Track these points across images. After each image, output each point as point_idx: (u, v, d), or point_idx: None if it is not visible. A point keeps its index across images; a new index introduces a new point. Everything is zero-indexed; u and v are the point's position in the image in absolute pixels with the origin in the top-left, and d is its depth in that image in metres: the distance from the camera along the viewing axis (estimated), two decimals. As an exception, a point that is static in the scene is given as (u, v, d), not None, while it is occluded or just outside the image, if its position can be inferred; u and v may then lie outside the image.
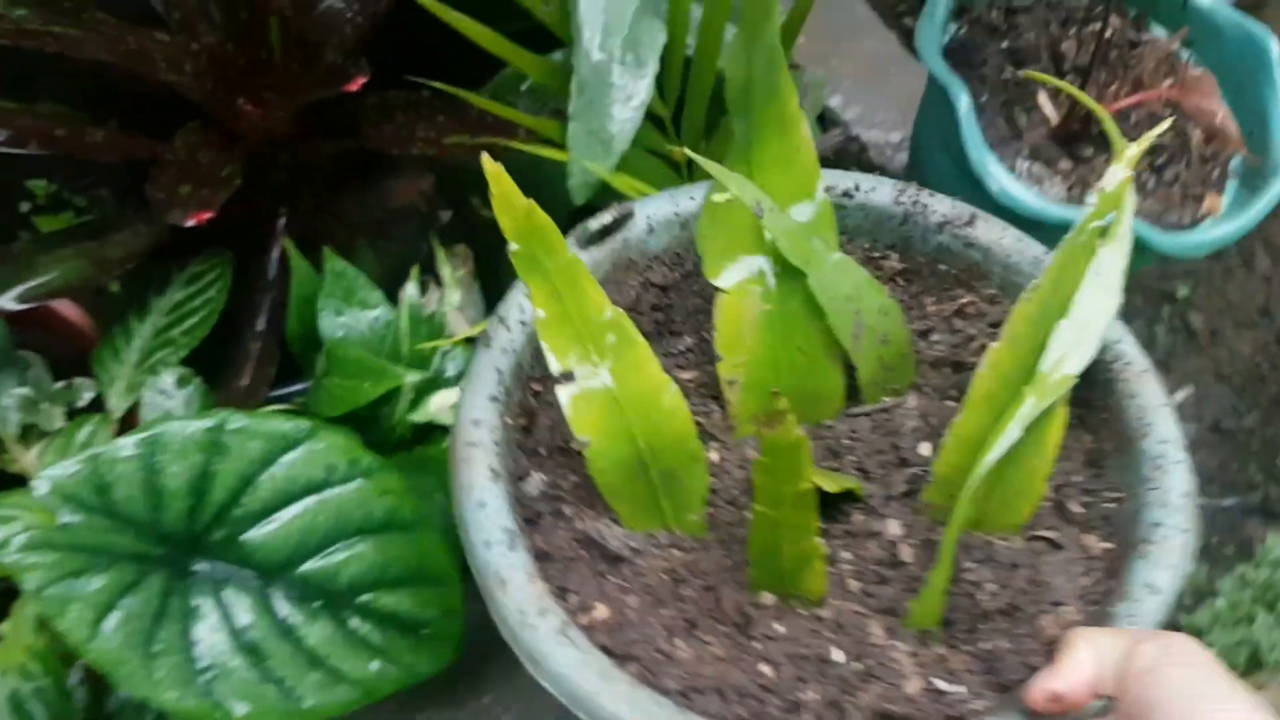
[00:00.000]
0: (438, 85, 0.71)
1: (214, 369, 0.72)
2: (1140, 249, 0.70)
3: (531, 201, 0.44)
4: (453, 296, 0.73)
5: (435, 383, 0.69)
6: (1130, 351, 0.50)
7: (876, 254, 0.56)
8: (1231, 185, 0.80)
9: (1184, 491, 0.45)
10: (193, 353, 0.71)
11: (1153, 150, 0.78)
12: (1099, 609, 0.44)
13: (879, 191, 0.55)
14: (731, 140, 0.51)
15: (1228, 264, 1.77)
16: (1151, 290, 1.70)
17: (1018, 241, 0.54)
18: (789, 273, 0.49)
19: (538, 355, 0.50)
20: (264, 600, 0.53)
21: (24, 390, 0.69)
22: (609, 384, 0.46)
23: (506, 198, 0.44)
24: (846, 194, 0.55)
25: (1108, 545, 0.47)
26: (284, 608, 0.53)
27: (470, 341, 0.71)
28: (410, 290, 0.71)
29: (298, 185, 0.77)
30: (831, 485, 0.45)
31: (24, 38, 0.62)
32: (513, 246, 0.45)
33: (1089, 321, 0.46)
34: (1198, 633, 1.09)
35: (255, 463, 0.54)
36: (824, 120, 0.93)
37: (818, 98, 0.87)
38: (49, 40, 0.63)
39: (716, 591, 0.46)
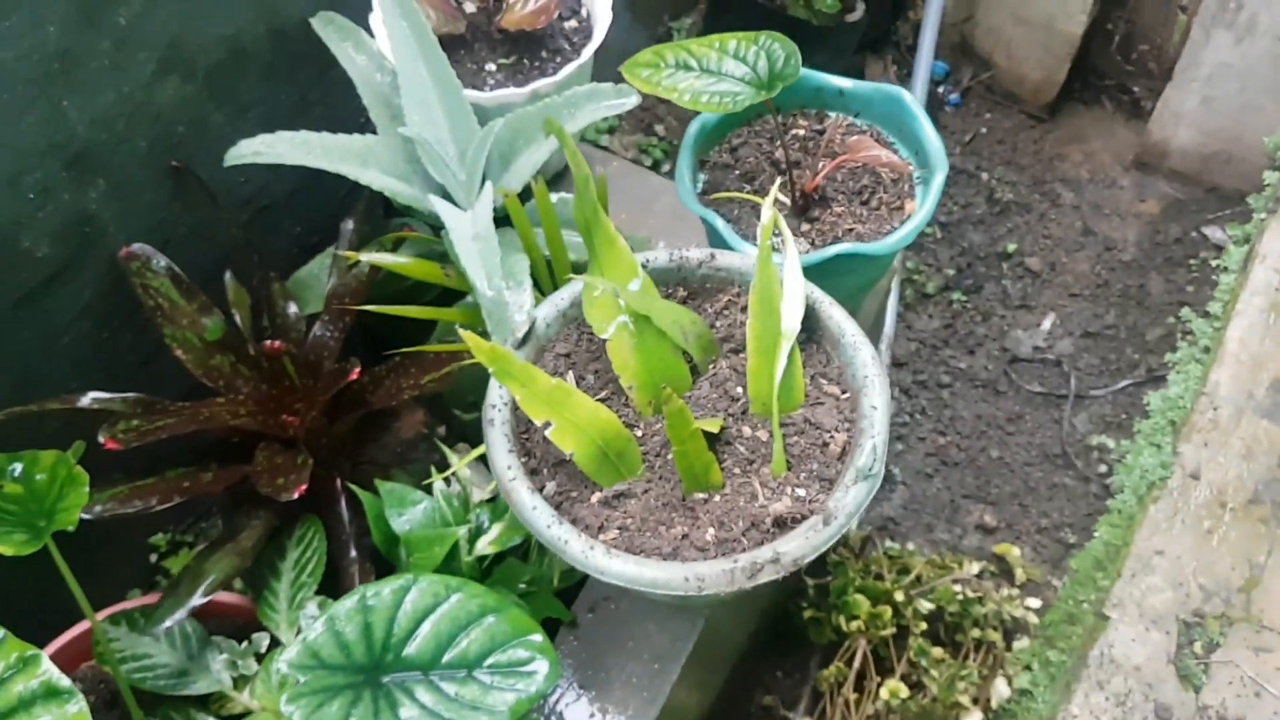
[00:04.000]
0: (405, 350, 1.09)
1: (329, 590, 1.03)
2: (869, 260, 1.02)
3: (495, 346, 0.79)
4: (465, 474, 1.04)
5: (478, 531, 1.02)
6: (818, 294, 0.91)
7: (669, 290, 0.95)
8: (919, 189, 1.10)
9: (873, 358, 0.87)
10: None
11: (859, 190, 1.11)
12: (854, 427, 0.86)
13: (660, 259, 0.94)
14: (588, 260, 0.89)
15: (1039, 210, 2.11)
16: (988, 256, 2.08)
17: (741, 260, 0.94)
18: (639, 319, 0.87)
19: (516, 417, 0.86)
20: (433, 685, 0.80)
21: (224, 657, 1.00)
22: (571, 421, 0.83)
23: (480, 350, 0.79)
24: (644, 264, 0.93)
25: (846, 394, 0.88)
26: (445, 685, 0.80)
27: (490, 501, 1.04)
28: (439, 485, 1.03)
29: (335, 454, 1.10)
30: (711, 427, 0.84)
31: (147, 436, 0.97)
32: (492, 368, 0.80)
33: (794, 299, 0.87)
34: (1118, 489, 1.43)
35: (393, 608, 0.82)
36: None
37: (645, 249, 1.14)
38: (162, 431, 0.97)
39: (668, 499, 0.84)
